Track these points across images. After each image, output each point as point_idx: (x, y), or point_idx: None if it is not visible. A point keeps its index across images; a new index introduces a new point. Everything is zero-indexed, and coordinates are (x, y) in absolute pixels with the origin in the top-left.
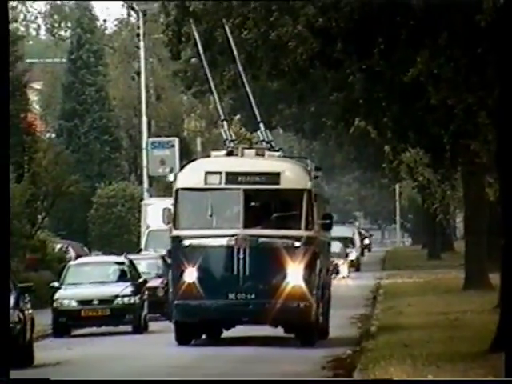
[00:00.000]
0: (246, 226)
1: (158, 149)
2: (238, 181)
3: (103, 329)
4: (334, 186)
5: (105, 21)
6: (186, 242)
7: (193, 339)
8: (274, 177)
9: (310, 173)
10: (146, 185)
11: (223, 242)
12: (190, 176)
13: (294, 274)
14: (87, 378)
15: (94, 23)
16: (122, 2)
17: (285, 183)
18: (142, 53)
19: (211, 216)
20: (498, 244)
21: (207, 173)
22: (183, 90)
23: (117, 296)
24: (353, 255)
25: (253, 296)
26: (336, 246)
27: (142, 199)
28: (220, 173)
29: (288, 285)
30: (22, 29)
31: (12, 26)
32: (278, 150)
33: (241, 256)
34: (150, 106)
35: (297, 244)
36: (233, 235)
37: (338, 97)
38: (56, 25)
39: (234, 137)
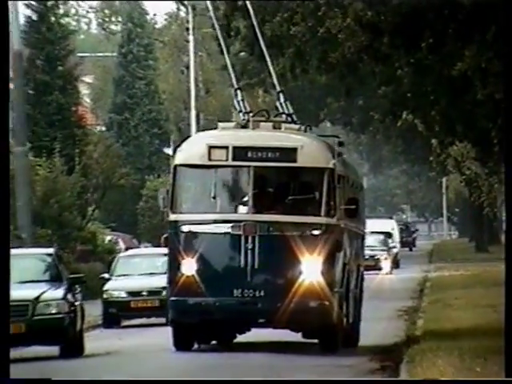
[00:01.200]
0: (255, 211)
1: None
2: (247, 157)
3: (153, 320)
4: (381, 179)
5: (155, 15)
6: (185, 228)
7: (194, 344)
8: (290, 153)
9: (333, 149)
10: None
11: (228, 228)
12: (191, 150)
13: (312, 268)
14: (136, 368)
15: (144, 17)
16: None
17: (302, 160)
18: (191, 47)
19: (215, 198)
20: None
21: (211, 147)
22: (232, 83)
23: (165, 287)
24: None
25: (262, 293)
26: (379, 240)
27: None
28: (226, 147)
29: (304, 281)
30: (74, 23)
31: (64, 20)
32: (296, 123)
33: (249, 246)
34: (199, 100)
35: (315, 232)
36: (240, 221)
37: (386, 90)
38: (107, 19)
39: (248, 108)
